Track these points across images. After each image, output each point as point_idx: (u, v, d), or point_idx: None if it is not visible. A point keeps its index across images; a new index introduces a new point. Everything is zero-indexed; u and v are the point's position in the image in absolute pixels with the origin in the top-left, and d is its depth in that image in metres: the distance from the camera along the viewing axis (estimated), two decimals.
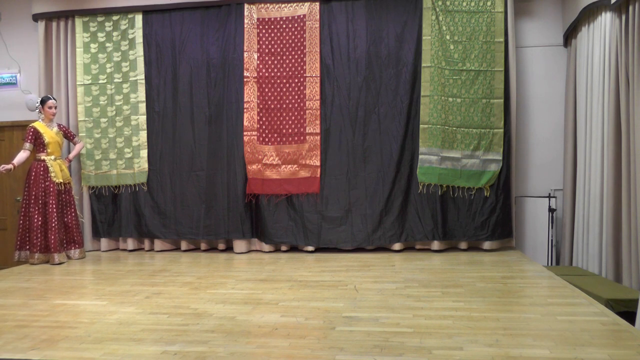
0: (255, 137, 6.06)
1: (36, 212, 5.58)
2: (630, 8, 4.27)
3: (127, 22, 6.29)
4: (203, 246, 6.28)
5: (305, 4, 5.97)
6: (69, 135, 6.03)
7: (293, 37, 6.01)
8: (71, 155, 6.07)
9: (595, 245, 4.90)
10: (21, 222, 5.69)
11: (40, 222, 5.58)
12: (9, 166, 5.46)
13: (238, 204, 6.05)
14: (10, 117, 6.87)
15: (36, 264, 5.54)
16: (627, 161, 4.41)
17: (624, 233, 4.43)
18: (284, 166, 6.03)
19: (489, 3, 5.70)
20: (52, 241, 5.54)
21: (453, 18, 5.75)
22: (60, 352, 2.83)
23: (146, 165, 6.25)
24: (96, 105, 6.36)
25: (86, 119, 6.37)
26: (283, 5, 6.02)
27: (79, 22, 6.37)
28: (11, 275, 5.04)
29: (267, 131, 6.07)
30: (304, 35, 5.98)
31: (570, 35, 5.76)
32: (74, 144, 6.12)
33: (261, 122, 6.07)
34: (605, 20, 4.83)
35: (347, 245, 5.92)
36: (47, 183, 5.62)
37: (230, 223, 6.05)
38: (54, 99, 5.89)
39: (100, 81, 6.35)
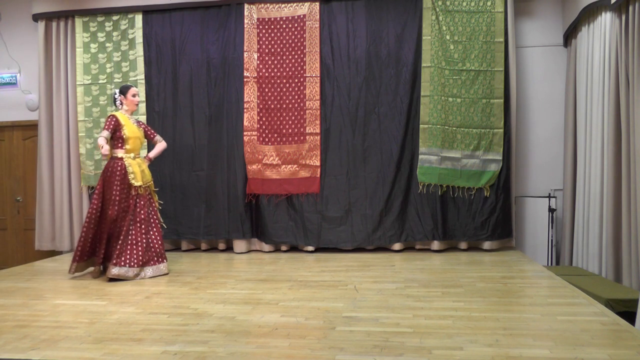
0: (255, 137, 6.06)
1: (105, 220, 4.73)
2: (630, 8, 4.27)
3: (127, 22, 6.29)
4: (203, 246, 6.28)
5: (305, 4, 5.97)
6: (149, 134, 5.20)
7: (293, 37, 6.01)
8: (152, 154, 5.16)
9: (595, 245, 4.90)
10: (84, 230, 4.77)
11: (107, 232, 4.75)
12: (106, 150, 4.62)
13: (238, 204, 6.05)
14: (10, 117, 6.88)
15: (96, 277, 4.80)
16: (627, 161, 4.42)
17: (624, 233, 4.43)
18: (284, 166, 6.03)
19: (489, 3, 5.70)
20: (139, 254, 4.71)
21: (453, 18, 5.75)
22: (60, 352, 2.83)
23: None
24: (96, 105, 6.36)
25: (86, 119, 6.37)
26: (283, 5, 6.02)
27: (79, 22, 6.37)
28: (11, 275, 5.04)
29: (267, 131, 6.06)
30: (304, 35, 5.98)
31: (570, 35, 5.76)
32: (154, 143, 5.25)
33: (261, 122, 6.07)
34: (605, 20, 4.83)
35: (347, 245, 5.92)
36: (123, 186, 4.75)
37: (230, 223, 6.05)
38: (135, 86, 5.20)
39: (100, 81, 6.35)
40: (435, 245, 5.82)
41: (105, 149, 4.62)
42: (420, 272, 4.76)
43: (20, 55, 6.81)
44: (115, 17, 6.31)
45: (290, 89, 6.03)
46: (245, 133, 6.05)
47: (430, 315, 3.37)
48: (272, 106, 6.05)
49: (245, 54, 6.06)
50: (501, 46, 5.70)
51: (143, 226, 4.79)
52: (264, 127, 6.07)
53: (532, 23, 6.10)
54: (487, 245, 5.81)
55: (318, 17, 5.95)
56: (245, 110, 6.06)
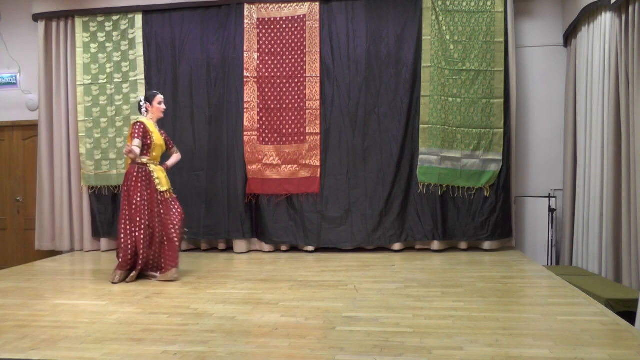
0: (255, 137, 6.06)
1: (141, 226, 4.66)
2: (630, 8, 4.27)
3: (127, 22, 6.29)
4: (203, 246, 6.28)
5: (305, 4, 5.97)
6: (168, 144, 5.09)
7: (293, 37, 6.01)
8: (170, 163, 5.11)
9: (595, 245, 4.90)
10: (122, 239, 4.66)
11: (144, 238, 4.66)
12: (133, 150, 4.60)
13: (238, 204, 6.05)
14: (10, 117, 6.88)
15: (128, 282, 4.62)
16: (627, 161, 4.41)
17: (624, 233, 4.43)
18: (284, 166, 6.03)
19: (489, 3, 5.70)
20: (169, 256, 4.71)
21: (453, 18, 5.75)
22: (60, 352, 2.83)
23: None
24: (96, 105, 6.36)
25: (86, 119, 6.36)
26: (283, 5, 6.02)
27: (79, 22, 6.37)
28: (11, 275, 5.04)
29: (267, 131, 6.06)
30: (304, 35, 5.98)
31: (570, 35, 5.76)
32: (170, 153, 5.17)
33: (261, 122, 6.07)
34: (605, 20, 4.83)
35: (347, 245, 5.92)
36: (149, 191, 4.73)
37: (231, 223, 6.05)
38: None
39: (100, 81, 6.35)
40: (435, 245, 5.82)
41: (135, 153, 4.61)
42: (420, 272, 4.76)
43: (20, 55, 6.81)
44: (115, 17, 6.30)
45: (290, 89, 6.03)
46: (245, 133, 6.05)
47: (430, 315, 3.37)
48: (272, 106, 6.05)
49: (245, 54, 6.06)
50: (501, 46, 5.70)
51: (178, 230, 4.77)
52: (264, 127, 6.07)
53: (532, 23, 6.09)
54: (487, 245, 5.81)
55: (318, 17, 5.95)
56: (245, 110, 6.06)
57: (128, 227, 4.67)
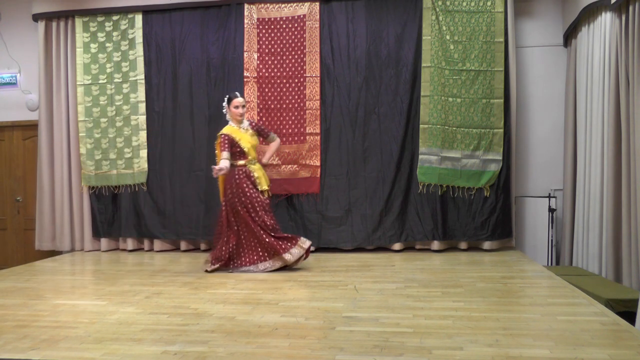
0: None
1: (235, 226, 4.94)
2: (630, 8, 4.27)
3: (127, 22, 6.29)
4: (203, 246, 6.27)
5: (305, 4, 5.97)
6: (263, 133, 5.24)
7: (293, 37, 6.01)
8: (265, 159, 5.29)
9: (595, 245, 4.90)
10: (225, 239, 4.95)
11: (236, 238, 4.95)
12: (223, 167, 4.76)
13: None
14: (10, 117, 6.88)
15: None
16: (627, 161, 4.41)
17: (624, 233, 4.43)
18: (284, 166, 6.03)
19: (489, 3, 5.69)
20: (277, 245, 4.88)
21: (453, 18, 5.75)
22: (60, 352, 2.83)
23: (146, 165, 6.25)
24: (96, 105, 6.36)
25: (86, 119, 6.36)
26: (283, 5, 6.02)
27: (79, 22, 6.37)
28: (11, 275, 5.04)
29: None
30: (304, 35, 5.98)
31: (570, 35, 5.76)
32: (268, 142, 5.34)
33: (261, 122, 6.06)
34: (605, 20, 4.83)
35: (347, 245, 5.92)
36: (251, 192, 4.91)
37: None
38: (241, 96, 5.11)
39: (100, 81, 6.35)
40: (435, 245, 5.82)
41: (224, 167, 4.75)
42: (420, 272, 4.76)
43: (20, 55, 6.81)
44: (115, 17, 6.30)
45: (290, 89, 6.03)
46: None
47: (430, 315, 3.37)
48: (272, 106, 6.05)
49: (245, 54, 6.06)
50: (501, 46, 5.70)
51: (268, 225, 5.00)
52: None
53: (532, 23, 6.09)
54: (487, 245, 5.81)
55: (318, 17, 5.94)
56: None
57: (234, 227, 4.91)
